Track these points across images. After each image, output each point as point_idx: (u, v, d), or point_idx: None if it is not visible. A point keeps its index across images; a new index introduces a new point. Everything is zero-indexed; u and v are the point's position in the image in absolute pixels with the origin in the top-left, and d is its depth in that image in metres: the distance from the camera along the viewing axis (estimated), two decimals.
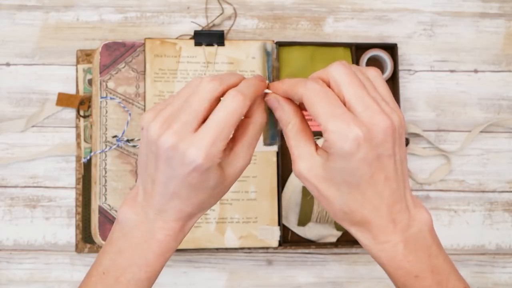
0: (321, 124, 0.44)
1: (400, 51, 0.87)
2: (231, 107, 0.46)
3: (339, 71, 0.45)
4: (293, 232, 0.82)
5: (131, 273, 0.51)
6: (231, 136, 0.48)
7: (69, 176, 0.83)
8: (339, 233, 0.82)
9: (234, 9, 0.87)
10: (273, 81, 0.52)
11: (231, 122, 0.46)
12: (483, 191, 0.86)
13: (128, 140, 0.79)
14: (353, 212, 0.47)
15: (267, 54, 0.54)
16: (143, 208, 0.51)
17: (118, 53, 0.81)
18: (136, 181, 0.73)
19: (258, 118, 0.51)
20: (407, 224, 0.47)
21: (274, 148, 0.80)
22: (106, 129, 0.79)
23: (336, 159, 0.44)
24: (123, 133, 0.79)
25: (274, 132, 0.54)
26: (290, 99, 0.49)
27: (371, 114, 0.43)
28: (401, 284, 0.48)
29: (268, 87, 0.51)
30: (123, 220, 0.52)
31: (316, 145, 0.48)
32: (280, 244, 0.80)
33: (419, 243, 0.47)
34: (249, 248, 0.82)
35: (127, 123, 0.79)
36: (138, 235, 0.51)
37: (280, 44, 0.83)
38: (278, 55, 0.83)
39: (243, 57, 0.82)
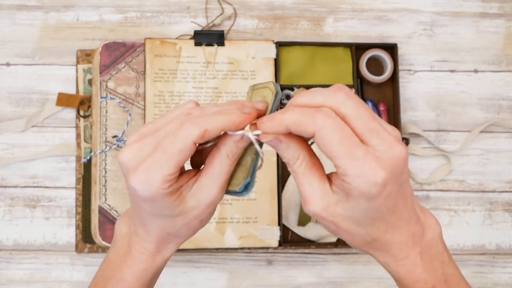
0: (339, 166, 0.40)
1: (400, 51, 0.87)
2: (177, 137, 0.43)
3: (344, 101, 0.41)
4: (293, 232, 0.82)
5: (110, 286, 0.50)
6: (175, 168, 0.43)
7: (69, 176, 0.83)
8: None
9: (234, 9, 0.87)
10: None
11: (171, 152, 0.42)
12: (483, 191, 0.86)
13: None
14: (376, 240, 0.45)
15: (275, 95, 0.46)
16: (132, 220, 0.50)
17: (118, 53, 0.81)
18: None
19: (224, 149, 0.45)
20: (421, 234, 0.46)
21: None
22: (106, 129, 0.79)
23: (360, 201, 0.41)
24: (123, 133, 0.79)
25: (250, 181, 0.47)
26: (292, 134, 0.43)
27: (389, 146, 0.40)
28: None
29: (256, 126, 0.44)
30: (115, 230, 0.52)
31: (330, 180, 0.44)
32: (280, 244, 0.80)
33: (433, 252, 0.47)
34: (249, 248, 0.82)
35: (127, 123, 0.79)
36: (122, 246, 0.51)
37: (280, 44, 0.83)
38: (278, 55, 0.83)
39: (243, 57, 0.82)
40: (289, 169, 0.45)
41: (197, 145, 0.43)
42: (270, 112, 0.46)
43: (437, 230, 0.47)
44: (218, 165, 0.45)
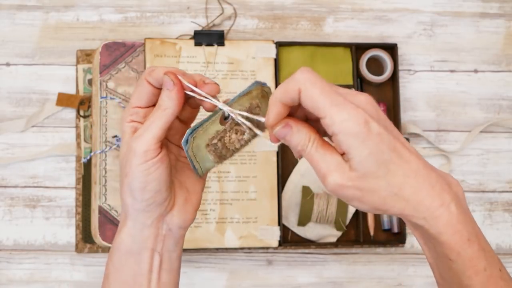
0: (326, 116, 0.44)
1: (400, 51, 0.87)
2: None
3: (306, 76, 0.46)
4: (293, 232, 0.82)
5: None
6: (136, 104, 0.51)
7: (69, 176, 0.83)
8: (339, 233, 0.82)
9: (234, 9, 0.87)
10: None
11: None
12: (483, 191, 0.86)
13: None
14: (401, 189, 0.45)
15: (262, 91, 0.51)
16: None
17: (118, 53, 0.81)
18: None
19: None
20: (446, 183, 0.46)
21: (274, 147, 0.80)
22: (106, 129, 0.79)
23: (358, 147, 0.44)
24: None
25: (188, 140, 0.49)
26: (298, 120, 0.47)
27: (355, 94, 0.45)
28: (455, 253, 0.46)
29: (264, 127, 0.49)
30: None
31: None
32: (280, 244, 0.80)
33: (463, 204, 0.46)
34: (249, 248, 0.82)
35: None
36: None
37: (280, 44, 0.83)
38: (278, 55, 0.83)
39: (243, 57, 0.82)
40: (304, 154, 0.47)
41: (150, 82, 0.50)
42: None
43: (459, 186, 0.47)
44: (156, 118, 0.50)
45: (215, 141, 0.50)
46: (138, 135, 0.49)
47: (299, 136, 0.47)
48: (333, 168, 0.45)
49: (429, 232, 0.46)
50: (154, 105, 0.51)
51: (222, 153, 0.51)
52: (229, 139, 0.51)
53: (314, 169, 0.47)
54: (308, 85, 0.45)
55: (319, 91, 0.44)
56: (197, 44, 0.82)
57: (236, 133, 0.50)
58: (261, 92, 0.51)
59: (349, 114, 0.43)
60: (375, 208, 0.46)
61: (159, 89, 0.50)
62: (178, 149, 0.53)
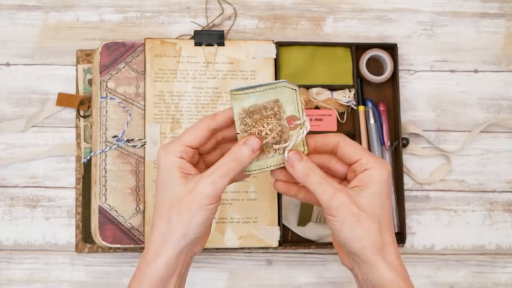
0: (362, 161, 0.59)
1: (400, 51, 0.87)
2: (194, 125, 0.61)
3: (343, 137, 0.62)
4: (293, 232, 0.82)
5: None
6: (186, 142, 0.59)
7: (69, 176, 0.83)
8: None
9: (234, 9, 0.87)
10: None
11: (186, 132, 0.59)
12: (483, 191, 0.86)
13: (128, 140, 0.79)
14: (383, 223, 0.59)
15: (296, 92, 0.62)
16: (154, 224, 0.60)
17: (118, 53, 0.81)
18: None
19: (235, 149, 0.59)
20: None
21: None
22: (106, 129, 0.79)
23: (376, 185, 0.58)
24: (123, 133, 0.79)
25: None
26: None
27: (380, 158, 0.61)
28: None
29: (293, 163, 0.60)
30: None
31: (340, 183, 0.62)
32: (280, 244, 0.80)
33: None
34: (249, 248, 0.82)
35: (127, 123, 0.79)
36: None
37: (280, 44, 0.83)
38: (278, 55, 0.83)
39: (243, 57, 0.82)
40: (308, 179, 0.59)
41: (211, 126, 0.59)
42: (299, 111, 0.62)
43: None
44: (225, 165, 0.58)
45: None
46: (212, 181, 0.56)
47: (305, 164, 0.59)
48: (340, 191, 0.58)
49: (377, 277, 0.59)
50: (198, 148, 0.60)
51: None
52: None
53: (317, 195, 0.58)
54: (348, 141, 0.61)
55: (358, 145, 0.61)
56: (197, 44, 0.82)
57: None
58: (290, 95, 0.61)
59: (381, 162, 0.59)
60: (343, 240, 0.59)
61: (213, 132, 0.60)
62: None
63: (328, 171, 0.63)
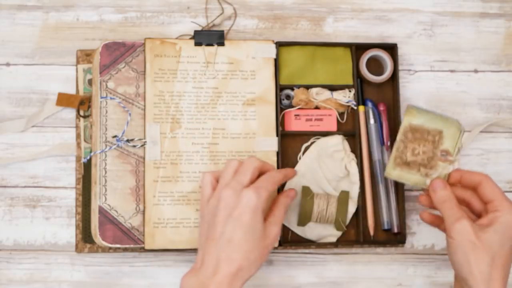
0: (497, 204, 0.67)
1: (400, 51, 0.87)
2: (272, 174, 0.70)
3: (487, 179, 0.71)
4: (293, 232, 0.82)
5: None
6: (272, 192, 0.69)
7: (69, 176, 0.83)
8: (339, 233, 0.82)
9: (234, 9, 0.87)
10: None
11: (272, 180, 0.69)
12: None
13: (128, 140, 0.79)
14: (498, 262, 0.66)
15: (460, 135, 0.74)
16: (201, 271, 0.64)
17: (118, 53, 0.81)
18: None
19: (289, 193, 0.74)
20: None
21: (274, 147, 0.80)
22: (106, 129, 0.79)
23: (500, 227, 0.66)
24: (123, 133, 0.79)
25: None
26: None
27: None
28: None
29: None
30: (183, 286, 0.65)
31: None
32: (280, 244, 0.80)
33: None
34: None
35: (127, 123, 0.79)
36: None
37: (280, 44, 0.83)
38: (278, 55, 0.83)
39: (243, 57, 0.82)
40: (444, 205, 0.70)
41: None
42: (455, 150, 0.73)
43: None
44: (281, 203, 0.73)
45: None
46: (278, 227, 0.71)
47: (446, 192, 0.70)
48: (467, 217, 0.66)
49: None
50: None
51: None
52: None
53: (445, 214, 0.68)
54: (491, 182, 0.69)
55: (497, 187, 0.69)
56: (197, 44, 0.82)
57: None
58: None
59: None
60: (454, 263, 0.68)
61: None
62: None
63: (468, 206, 0.72)
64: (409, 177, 0.74)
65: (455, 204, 0.68)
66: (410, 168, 0.73)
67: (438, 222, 0.75)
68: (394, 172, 0.74)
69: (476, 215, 0.72)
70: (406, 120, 0.73)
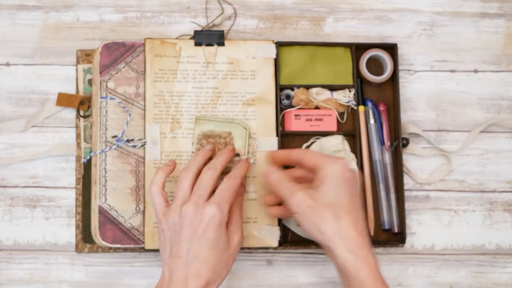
0: (318, 160, 0.70)
1: (400, 51, 0.87)
2: (230, 183, 0.69)
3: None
4: (293, 232, 0.82)
5: None
6: (230, 203, 0.69)
7: (69, 176, 0.83)
8: None
9: (234, 9, 0.87)
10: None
11: (231, 190, 0.69)
12: (483, 191, 0.86)
13: (128, 140, 0.79)
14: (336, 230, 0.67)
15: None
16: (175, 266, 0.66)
17: (118, 53, 0.81)
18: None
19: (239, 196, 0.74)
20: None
21: (274, 147, 0.80)
22: (106, 129, 0.79)
23: (327, 179, 0.68)
24: (123, 133, 0.79)
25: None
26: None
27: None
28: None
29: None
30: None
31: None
32: (280, 244, 0.80)
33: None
34: (249, 248, 0.82)
35: (127, 123, 0.79)
36: None
37: (280, 44, 0.83)
38: (278, 55, 0.83)
39: (243, 57, 0.82)
40: (278, 192, 0.71)
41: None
42: (246, 147, 0.78)
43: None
44: (236, 210, 0.73)
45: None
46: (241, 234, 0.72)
47: (277, 174, 0.72)
48: (299, 188, 0.68)
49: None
50: None
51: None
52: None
53: (282, 195, 0.70)
54: (308, 151, 0.76)
55: (316, 152, 0.74)
56: (197, 44, 0.82)
57: None
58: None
59: (334, 159, 0.70)
60: (308, 233, 0.69)
61: None
62: None
63: (305, 181, 0.73)
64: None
65: (288, 181, 0.70)
66: None
67: (286, 211, 0.75)
68: None
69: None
70: (198, 129, 0.78)
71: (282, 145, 0.82)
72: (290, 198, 0.68)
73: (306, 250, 0.83)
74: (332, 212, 0.66)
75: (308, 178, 0.72)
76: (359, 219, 0.68)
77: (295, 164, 0.75)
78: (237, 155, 0.77)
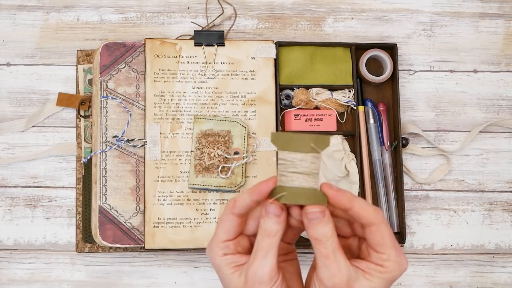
0: (384, 253, 0.53)
1: (399, 51, 0.87)
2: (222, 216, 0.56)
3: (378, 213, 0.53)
4: None
5: None
6: (224, 236, 0.55)
7: (70, 176, 0.83)
8: None
9: (234, 9, 0.88)
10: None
11: (218, 225, 0.56)
12: (482, 191, 0.86)
13: (128, 140, 0.79)
14: None
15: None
16: None
17: (118, 53, 0.81)
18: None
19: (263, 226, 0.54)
20: None
21: (274, 147, 0.81)
22: (106, 129, 0.79)
23: (383, 281, 0.53)
24: (123, 133, 0.79)
25: None
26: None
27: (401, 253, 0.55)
28: None
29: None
30: None
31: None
32: None
33: None
34: None
35: (127, 123, 0.79)
36: None
37: (280, 44, 0.84)
38: (278, 55, 0.83)
39: (243, 57, 0.82)
40: (318, 246, 0.53)
41: (236, 214, 0.54)
42: (245, 146, 0.76)
43: None
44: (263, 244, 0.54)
45: None
46: (259, 267, 0.53)
47: (324, 228, 0.52)
48: (344, 272, 0.52)
49: None
50: (240, 234, 0.55)
51: None
52: None
53: (320, 262, 0.53)
54: (383, 225, 0.53)
55: (390, 233, 0.53)
56: (197, 44, 0.82)
57: None
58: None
59: (402, 262, 0.54)
60: None
61: (244, 218, 0.55)
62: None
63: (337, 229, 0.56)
64: (212, 181, 0.77)
65: (335, 247, 0.53)
66: (210, 172, 0.77)
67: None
68: (197, 180, 0.77)
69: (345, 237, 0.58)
70: (196, 128, 0.78)
71: None
72: (327, 280, 0.53)
73: (306, 250, 0.83)
74: None
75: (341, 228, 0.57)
76: None
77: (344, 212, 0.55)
78: (236, 153, 0.77)
